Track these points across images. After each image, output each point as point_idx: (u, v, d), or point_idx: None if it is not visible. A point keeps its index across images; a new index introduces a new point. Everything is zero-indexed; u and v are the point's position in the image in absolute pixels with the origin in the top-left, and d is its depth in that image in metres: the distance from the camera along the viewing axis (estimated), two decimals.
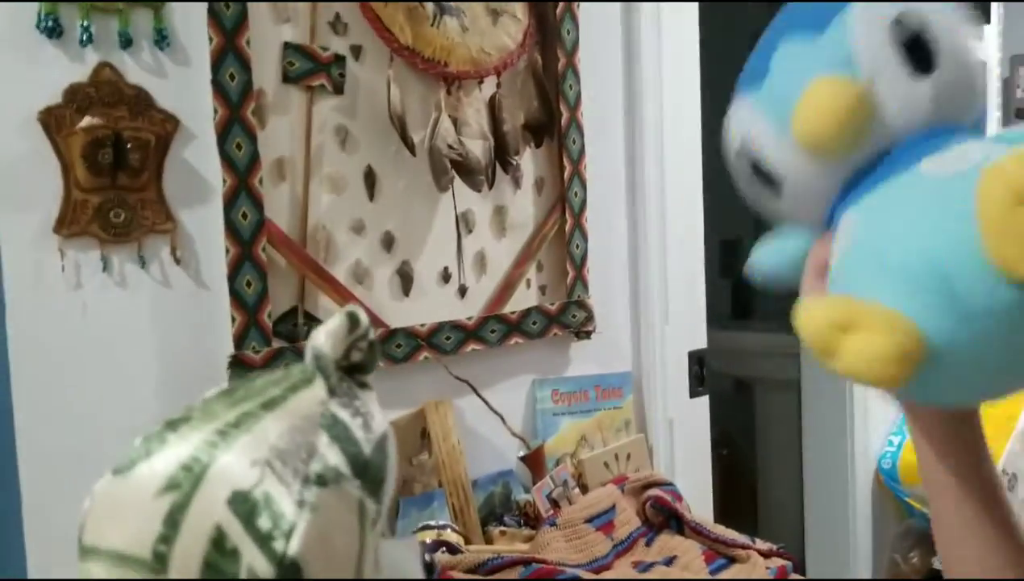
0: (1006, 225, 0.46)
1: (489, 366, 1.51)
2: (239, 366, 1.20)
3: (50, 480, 1.08)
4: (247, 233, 1.21)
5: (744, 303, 3.35)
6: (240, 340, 1.21)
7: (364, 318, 0.54)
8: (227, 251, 1.20)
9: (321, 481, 0.46)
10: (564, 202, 1.60)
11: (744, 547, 1.39)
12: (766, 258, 0.67)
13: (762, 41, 0.62)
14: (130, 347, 1.15)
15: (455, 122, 1.42)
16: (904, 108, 0.56)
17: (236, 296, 1.20)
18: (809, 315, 0.52)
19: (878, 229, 0.54)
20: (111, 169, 1.10)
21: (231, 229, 1.19)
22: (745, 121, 0.62)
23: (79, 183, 1.09)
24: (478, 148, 1.46)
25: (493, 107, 1.48)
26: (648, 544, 1.45)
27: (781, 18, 0.62)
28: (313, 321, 1.30)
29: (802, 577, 1.35)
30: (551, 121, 1.58)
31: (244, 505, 0.44)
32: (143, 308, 1.16)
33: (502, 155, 1.49)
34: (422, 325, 1.40)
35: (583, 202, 1.62)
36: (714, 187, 1.91)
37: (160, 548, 0.44)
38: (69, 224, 1.09)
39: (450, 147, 1.39)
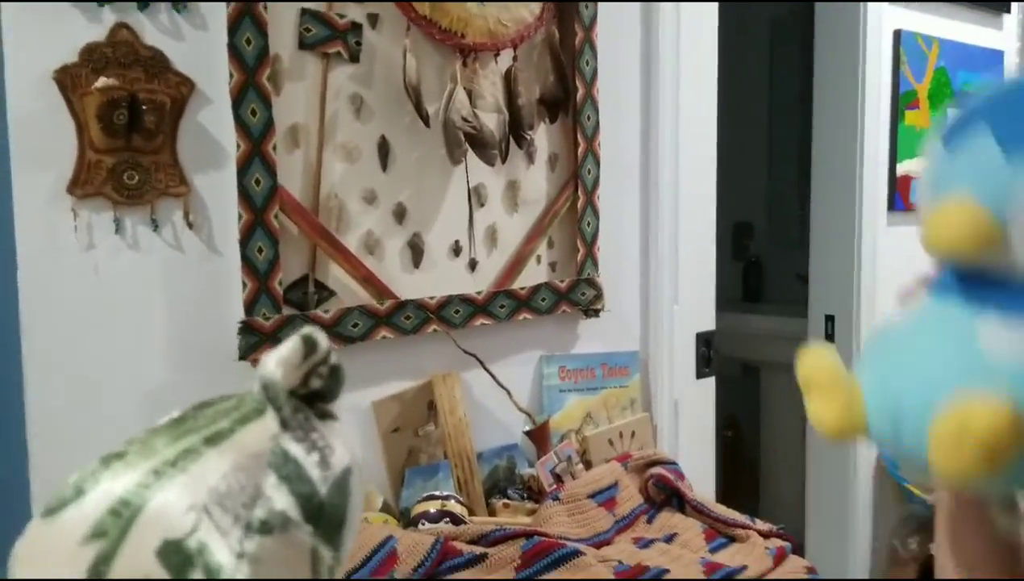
0: (948, 447, 0.52)
1: (497, 341, 1.52)
2: (249, 332, 1.20)
3: (58, 438, 1.09)
4: (260, 199, 1.21)
5: (754, 286, 3.34)
6: (251, 306, 1.21)
7: (323, 341, 0.48)
8: (239, 217, 1.20)
9: (265, 529, 0.41)
10: (577, 179, 1.59)
11: (744, 527, 1.40)
12: None
13: (987, 102, 0.60)
14: (141, 310, 1.16)
15: (470, 94, 1.42)
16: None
17: (247, 262, 1.20)
18: (801, 364, 0.63)
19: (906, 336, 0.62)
20: (126, 130, 1.10)
21: (244, 195, 1.19)
22: (928, 175, 0.62)
23: (93, 144, 1.09)
24: (492, 121, 1.45)
25: (509, 80, 1.47)
26: (649, 521, 1.45)
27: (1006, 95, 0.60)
28: (323, 290, 1.30)
29: (801, 558, 1.36)
30: (567, 96, 1.57)
31: (176, 557, 0.40)
32: (155, 271, 1.16)
33: (516, 129, 1.49)
34: (431, 298, 1.40)
35: (596, 180, 1.62)
36: (727, 170, 1.90)
37: None
38: (83, 184, 1.09)
39: (464, 120, 1.39)
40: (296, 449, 0.46)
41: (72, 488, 0.43)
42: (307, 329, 0.48)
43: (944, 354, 0.58)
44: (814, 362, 0.63)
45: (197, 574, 0.39)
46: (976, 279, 0.58)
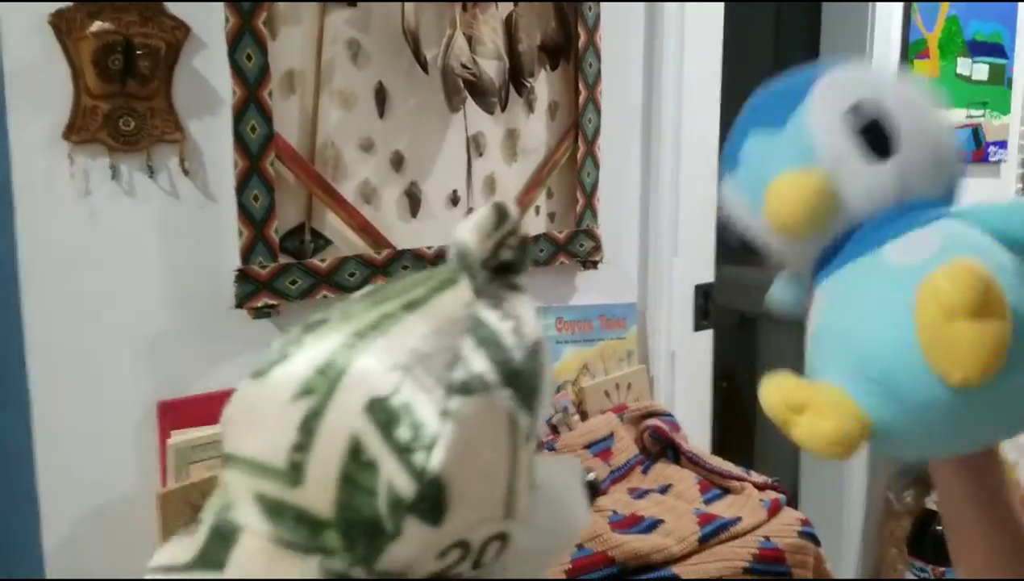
0: (940, 339, 0.50)
1: None
2: (245, 280, 1.20)
3: (57, 384, 1.10)
4: (256, 146, 1.19)
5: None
6: (247, 254, 1.20)
7: (513, 211, 0.48)
8: (235, 164, 1.19)
9: (466, 389, 0.41)
10: (577, 128, 1.57)
11: (739, 479, 1.41)
12: (779, 296, 0.77)
13: (734, 129, 0.68)
14: (138, 257, 1.15)
15: (470, 40, 1.39)
16: (866, 192, 0.60)
17: (243, 210, 1.20)
18: (768, 394, 0.58)
19: (840, 314, 0.59)
20: (121, 75, 1.08)
21: (240, 141, 1.18)
22: (729, 200, 0.70)
23: (89, 89, 1.07)
24: (492, 68, 1.43)
25: (509, 26, 1.45)
26: (645, 472, 1.47)
27: (748, 107, 0.68)
28: (320, 238, 1.30)
29: (795, 510, 1.37)
30: (568, 43, 1.54)
31: (382, 413, 0.40)
32: (151, 218, 1.16)
33: (516, 76, 1.46)
34: (429, 247, 1.40)
35: (597, 129, 1.60)
36: (730, 120, 1.87)
37: (296, 457, 0.41)
38: (78, 130, 1.08)
39: (464, 66, 1.37)
40: (490, 316, 0.46)
41: (277, 351, 0.45)
42: (499, 200, 0.49)
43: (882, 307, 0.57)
44: (782, 386, 0.59)
45: (403, 431, 0.40)
46: (836, 248, 0.62)
